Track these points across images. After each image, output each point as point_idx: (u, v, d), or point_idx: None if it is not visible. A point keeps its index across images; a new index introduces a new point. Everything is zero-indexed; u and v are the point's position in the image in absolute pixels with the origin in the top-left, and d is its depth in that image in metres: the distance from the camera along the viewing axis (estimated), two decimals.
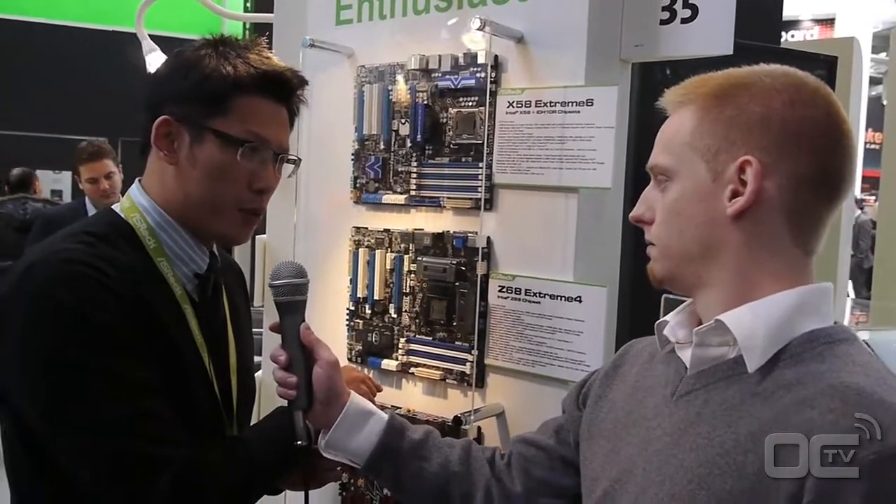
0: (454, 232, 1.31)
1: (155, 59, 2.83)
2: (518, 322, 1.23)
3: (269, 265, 1.55)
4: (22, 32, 6.99)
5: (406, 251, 1.36)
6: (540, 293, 1.20)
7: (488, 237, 1.27)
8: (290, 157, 1.05)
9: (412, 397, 1.37)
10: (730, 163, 0.76)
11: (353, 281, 1.43)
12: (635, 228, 0.87)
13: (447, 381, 1.32)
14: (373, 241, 1.41)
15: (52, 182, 6.62)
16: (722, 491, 0.70)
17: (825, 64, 2.30)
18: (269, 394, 1.36)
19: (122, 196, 1.06)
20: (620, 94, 1.14)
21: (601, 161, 1.14)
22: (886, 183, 3.96)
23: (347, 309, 1.45)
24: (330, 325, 1.43)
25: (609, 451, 0.87)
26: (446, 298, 1.31)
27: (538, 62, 1.21)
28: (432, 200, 1.33)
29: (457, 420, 1.20)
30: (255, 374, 1.25)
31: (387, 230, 1.39)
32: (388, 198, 1.38)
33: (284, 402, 1.00)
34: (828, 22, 9.92)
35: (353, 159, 1.44)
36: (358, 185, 1.44)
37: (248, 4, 5.21)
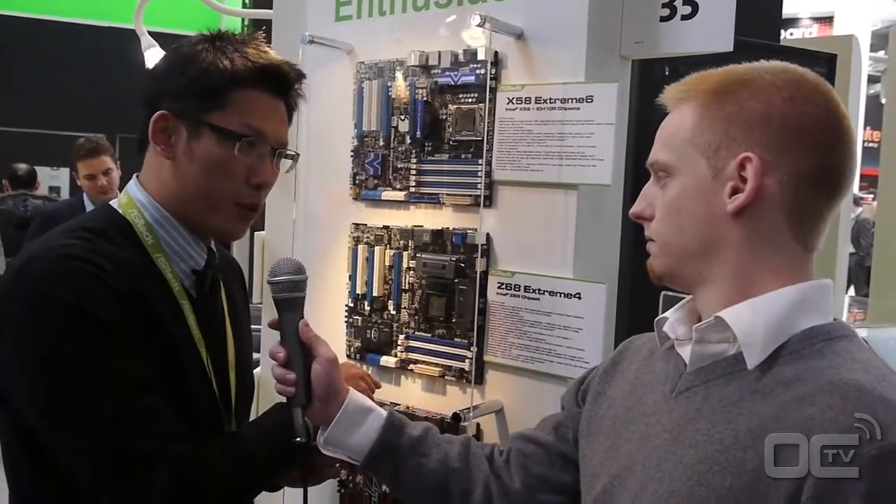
0: (453, 228, 1.30)
1: (154, 56, 2.83)
2: (517, 319, 1.23)
3: (268, 262, 1.55)
4: (19, 28, 6.96)
5: (405, 248, 1.36)
6: (539, 290, 1.20)
7: (488, 234, 1.27)
8: (288, 152, 1.05)
9: (411, 394, 1.37)
10: (730, 159, 0.76)
11: (353, 277, 1.43)
12: (635, 225, 0.87)
13: (446, 377, 1.32)
14: (372, 237, 1.41)
15: (50, 178, 6.61)
16: (721, 487, 0.70)
17: (825, 61, 2.30)
18: (267, 391, 1.36)
19: (120, 192, 1.06)
20: (620, 90, 1.14)
21: (601, 158, 1.13)
22: (885, 181, 3.96)
23: (346, 305, 1.45)
24: (329, 321, 1.43)
25: (608, 448, 0.87)
26: (445, 295, 1.31)
27: (538, 59, 1.21)
28: (432, 197, 1.33)
29: (456, 417, 1.20)
30: (254, 371, 1.25)
31: (386, 227, 1.39)
32: (388, 194, 1.38)
33: (283, 399, 1.00)
34: (826, 20, 9.92)
35: (352, 156, 1.44)
36: (357, 182, 1.44)
37: (247, 0, 5.20)
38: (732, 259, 0.77)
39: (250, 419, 1.13)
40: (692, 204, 0.78)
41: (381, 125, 1.38)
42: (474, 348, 1.27)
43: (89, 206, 3.07)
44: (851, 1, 9.38)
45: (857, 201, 7.76)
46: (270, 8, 1.66)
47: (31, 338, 0.88)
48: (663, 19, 1.15)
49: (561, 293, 1.18)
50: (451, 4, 1.31)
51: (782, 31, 3.14)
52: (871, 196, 7.62)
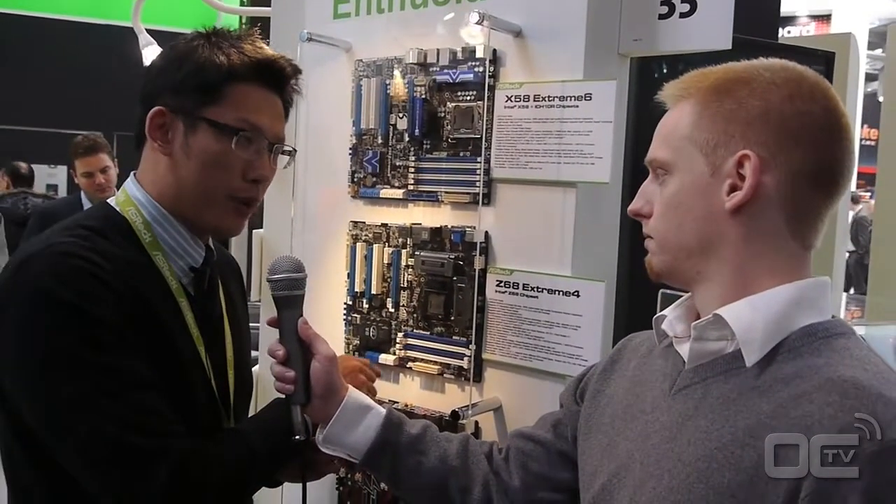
0: (452, 226, 1.30)
1: (151, 53, 2.82)
2: (516, 317, 1.23)
3: (266, 259, 1.55)
4: (17, 26, 6.95)
5: (404, 246, 1.36)
6: (538, 288, 1.20)
7: (486, 232, 1.27)
8: (285, 147, 1.05)
9: (410, 392, 1.37)
10: (728, 157, 0.76)
11: (351, 275, 1.43)
12: (633, 223, 0.87)
13: (445, 375, 1.32)
14: (370, 235, 1.41)
15: (48, 176, 6.60)
16: (720, 484, 0.70)
17: (823, 59, 2.30)
18: (266, 389, 1.36)
19: (118, 190, 1.06)
20: (619, 88, 1.14)
21: (599, 155, 1.13)
22: (882, 179, 3.97)
23: (345, 303, 1.45)
24: (327, 319, 1.43)
25: (607, 446, 0.87)
26: (444, 293, 1.31)
27: (536, 56, 1.21)
28: (430, 195, 1.33)
29: (454, 414, 1.20)
30: (253, 369, 1.25)
31: (384, 225, 1.39)
32: (386, 192, 1.38)
33: (282, 396, 1.00)
34: (824, 18, 9.93)
35: (350, 153, 1.44)
36: (355, 180, 1.43)
37: None
38: (730, 256, 0.77)
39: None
40: (690, 201, 0.78)
41: (380, 123, 1.38)
42: (473, 346, 1.27)
43: (87, 204, 3.06)
44: None
45: (857, 199, 7.77)
46: (268, 5, 1.66)
47: (30, 336, 0.88)
48: (662, 17, 1.15)
49: (559, 291, 1.18)
50: (449, 2, 1.31)
51: (780, 30, 3.14)
52: (869, 194, 7.64)
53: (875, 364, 0.71)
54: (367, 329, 1.42)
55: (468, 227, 1.28)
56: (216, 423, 1.02)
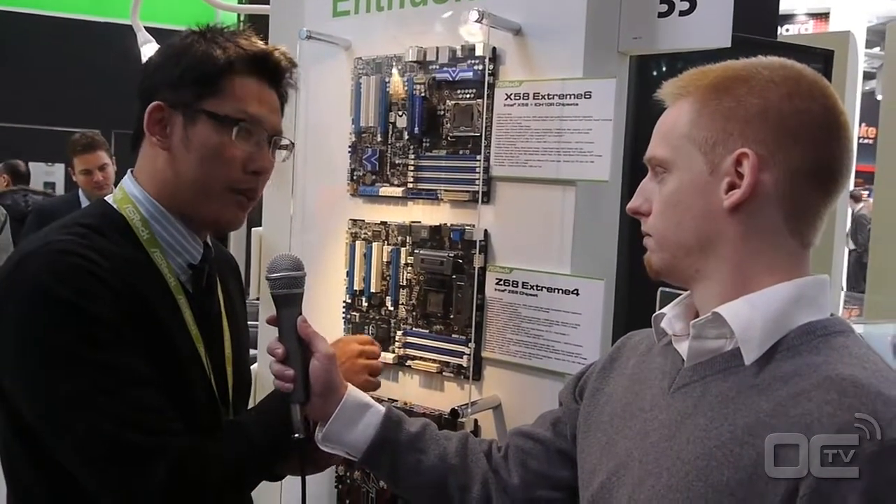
0: (451, 225, 1.30)
1: (150, 51, 2.81)
2: (515, 315, 1.23)
3: (265, 257, 1.55)
4: (14, 23, 6.93)
5: (403, 244, 1.36)
6: (537, 286, 1.21)
7: (486, 230, 1.27)
8: (283, 140, 1.05)
9: (409, 390, 1.38)
10: (727, 155, 0.76)
11: (350, 274, 1.43)
12: (632, 221, 0.87)
13: (444, 373, 1.32)
14: (370, 233, 1.41)
15: (45, 174, 6.59)
16: (719, 483, 0.70)
17: (822, 58, 2.31)
18: (265, 387, 1.36)
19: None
20: (618, 86, 1.14)
21: (599, 154, 1.13)
22: (881, 178, 3.97)
23: (344, 302, 1.45)
24: (327, 317, 1.43)
25: (606, 444, 0.87)
26: (443, 291, 1.31)
27: (536, 54, 1.21)
28: (429, 193, 1.33)
29: (454, 413, 1.21)
30: (252, 367, 1.25)
31: (384, 223, 1.39)
32: (385, 190, 1.38)
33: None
34: (822, 16, 9.93)
35: (350, 151, 1.44)
36: (355, 178, 1.43)
37: None
38: (729, 255, 0.77)
39: None
40: (689, 199, 0.78)
41: (379, 121, 1.38)
42: (472, 344, 1.27)
43: (84, 202, 3.06)
44: None
45: (858, 198, 7.77)
46: (266, 3, 1.65)
47: (28, 334, 0.88)
48: (661, 15, 1.15)
49: (559, 289, 1.18)
50: (448, 0, 1.30)
51: (778, 28, 3.14)
52: (867, 192, 7.64)
53: (874, 362, 0.71)
54: (366, 327, 1.42)
55: (467, 225, 1.28)
56: (215, 420, 1.02)
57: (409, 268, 1.35)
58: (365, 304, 1.42)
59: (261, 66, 1.00)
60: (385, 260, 1.38)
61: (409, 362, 1.36)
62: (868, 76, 8.44)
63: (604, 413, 0.90)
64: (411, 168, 1.35)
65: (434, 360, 1.33)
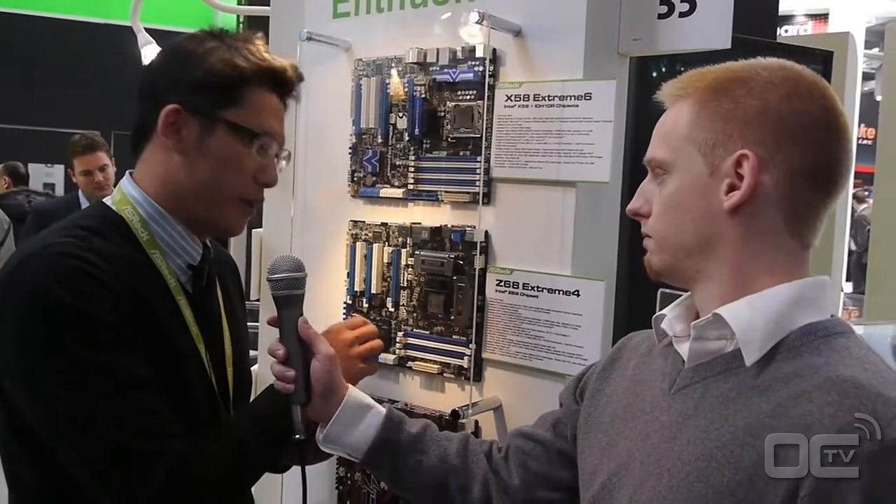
0: (452, 226, 1.30)
1: (150, 52, 2.82)
2: (516, 316, 1.23)
3: (266, 259, 1.55)
4: (14, 25, 6.93)
5: (404, 245, 1.36)
6: (538, 287, 1.21)
7: (486, 231, 1.27)
8: (283, 151, 1.07)
9: (410, 391, 1.38)
10: (727, 157, 0.76)
11: (351, 275, 1.43)
12: (633, 222, 0.87)
13: (445, 374, 1.32)
14: (370, 234, 1.41)
15: (45, 175, 6.59)
16: (719, 484, 0.70)
17: (821, 59, 2.31)
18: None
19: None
20: (618, 88, 1.14)
21: (599, 155, 1.14)
22: (880, 178, 3.98)
23: (345, 303, 1.45)
24: (327, 318, 1.43)
25: (606, 445, 0.87)
26: (444, 292, 1.31)
27: (536, 56, 1.21)
28: (430, 194, 1.33)
29: (454, 414, 1.21)
30: (252, 368, 1.25)
31: (384, 224, 1.39)
32: (386, 191, 1.38)
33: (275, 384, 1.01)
34: (821, 17, 9.93)
35: (350, 153, 1.44)
36: (355, 179, 1.44)
37: None
38: (729, 256, 0.77)
39: None
40: (689, 201, 0.78)
41: (380, 122, 1.38)
42: (473, 345, 1.27)
43: (84, 203, 3.07)
44: None
45: (862, 198, 7.76)
46: (267, 5, 1.66)
47: (28, 337, 0.88)
48: (661, 16, 1.15)
49: (559, 290, 1.18)
50: (449, 1, 1.31)
51: (777, 29, 3.15)
52: (867, 193, 7.64)
53: (874, 363, 0.71)
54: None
55: (468, 226, 1.29)
56: (216, 420, 1.02)
57: (410, 269, 1.35)
58: (365, 305, 1.42)
59: (276, 79, 1.02)
60: (386, 261, 1.38)
61: (409, 363, 1.36)
62: (867, 77, 8.44)
63: (604, 414, 0.90)
64: (412, 169, 1.35)
65: (435, 361, 1.33)
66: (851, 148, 0.78)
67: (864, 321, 3.73)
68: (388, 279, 1.38)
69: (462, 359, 1.29)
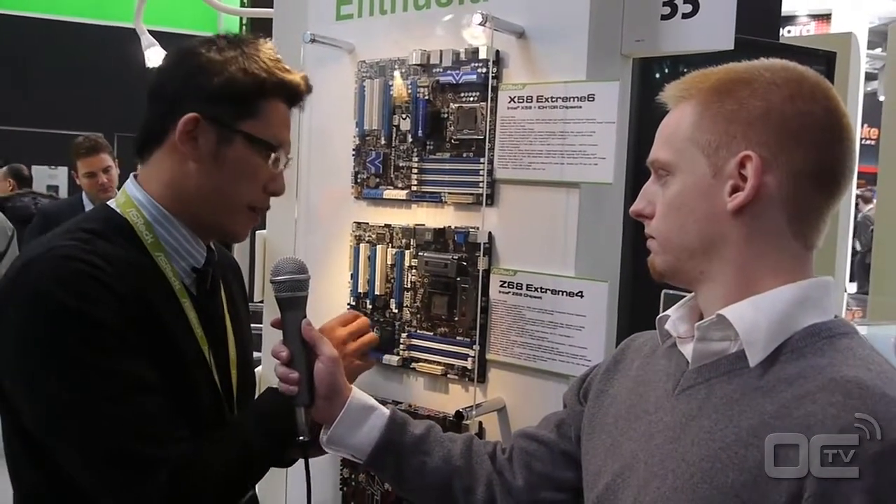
0: (455, 227, 1.31)
1: (154, 55, 2.83)
2: (519, 317, 1.24)
3: (270, 260, 1.55)
4: (18, 27, 6.95)
5: (407, 246, 1.37)
6: (541, 288, 1.21)
7: (490, 232, 1.27)
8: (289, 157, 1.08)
9: (413, 392, 1.38)
10: (730, 158, 0.76)
11: (354, 276, 1.43)
12: (636, 224, 0.87)
13: (448, 376, 1.32)
14: (374, 236, 1.41)
15: (49, 177, 6.61)
16: (724, 485, 0.70)
17: (824, 59, 2.31)
18: None
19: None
20: (621, 89, 1.14)
21: (602, 156, 1.14)
22: (883, 179, 3.97)
23: (348, 304, 1.45)
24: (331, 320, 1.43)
25: (610, 446, 0.87)
26: (447, 294, 1.31)
27: (539, 57, 1.21)
28: (433, 196, 1.33)
29: (458, 415, 1.21)
30: (256, 370, 1.25)
31: (388, 225, 1.39)
32: (389, 193, 1.38)
33: (276, 384, 1.01)
34: (824, 17, 9.91)
35: (353, 154, 1.44)
36: (359, 181, 1.44)
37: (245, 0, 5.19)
38: (733, 257, 0.77)
39: None
40: (692, 202, 0.78)
41: (383, 124, 1.39)
42: (476, 346, 1.27)
43: (88, 205, 3.07)
44: None
45: (869, 199, 7.74)
46: (270, 6, 1.66)
47: (31, 340, 0.89)
48: (664, 17, 1.15)
49: (563, 291, 1.18)
50: (452, 3, 1.31)
51: (780, 29, 3.14)
52: (873, 193, 7.62)
53: (878, 364, 0.71)
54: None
55: (471, 227, 1.29)
56: (220, 421, 1.02)
57: (414, 270, 1.35)
58: (369, 306, 1.42)
59: (289, 91, 1.03)
60: (389, 262, 1.39)
61: (413, 364, 1.36)
62: (870, 77, 8.41)
63: (608, 415, 0.90)
64: (415, 171, 1.35)
65: (438, 363, 1.33)
66: (854, 149, 0.78)
67: (868, 321, 3.72)
68: (392, 281, 1.38)
69: (466, 360, 1.29)
